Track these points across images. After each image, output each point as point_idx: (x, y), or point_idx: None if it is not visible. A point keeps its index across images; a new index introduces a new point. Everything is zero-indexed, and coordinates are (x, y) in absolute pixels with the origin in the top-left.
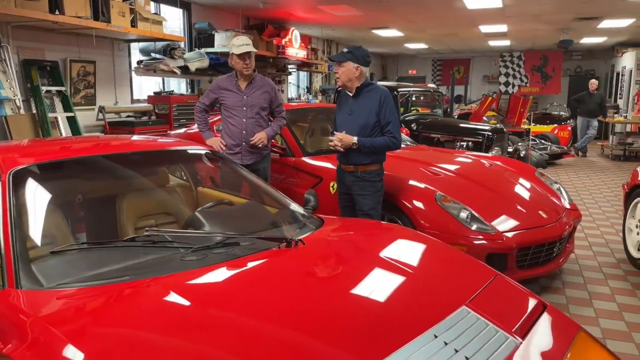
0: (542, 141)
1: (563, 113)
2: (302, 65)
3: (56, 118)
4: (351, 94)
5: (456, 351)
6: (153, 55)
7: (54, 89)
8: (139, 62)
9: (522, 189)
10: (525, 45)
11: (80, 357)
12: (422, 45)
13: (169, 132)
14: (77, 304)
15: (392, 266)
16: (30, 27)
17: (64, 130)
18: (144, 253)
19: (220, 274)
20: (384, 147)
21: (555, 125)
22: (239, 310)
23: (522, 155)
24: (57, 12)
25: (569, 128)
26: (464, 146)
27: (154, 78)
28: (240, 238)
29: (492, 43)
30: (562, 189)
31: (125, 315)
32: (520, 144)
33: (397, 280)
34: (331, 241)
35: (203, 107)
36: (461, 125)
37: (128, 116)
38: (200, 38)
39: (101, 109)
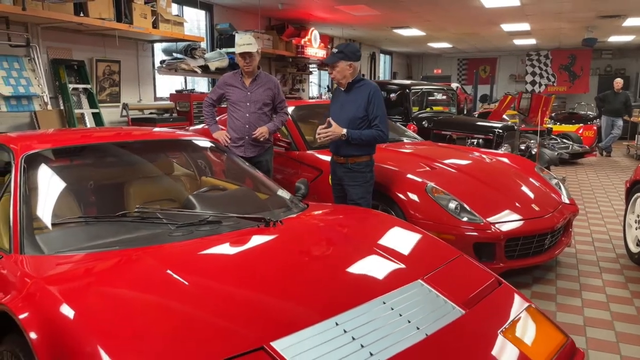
0: (564, 140)
1: (590, 113)
2: (322, 64)
3: (82, 114)
4: (343, 89)
5: (400, 315)
6: (175, 55)
7: (80, 86)
8: (162, 62)
9: (519, 183)
10: (552, 44)
11: (71, 313)
12: (446, 45)
13: (187, 127)
14: (71, 268)
15: (357, 242)
16: (59, 28)
17: (90, 125)
18: (136, 228)
19: (200, 247)
20: (371, 140)
21: (581, 124)
22: (214, 275)
23: (533, 152)
24: (81, 14)
25: (595, 128)
26: (475, 143)
27: (180, 77)
28: (223, 217)
29: (518, 42)
30: (561, 184)
31: (114, 277)
32: (532, 141)
33: (358, 253)
34: (308, 222)
35: (210, 101)
36: (472, 122)
37: (151, 113)
38: (221, 38)
39: (125, 106)
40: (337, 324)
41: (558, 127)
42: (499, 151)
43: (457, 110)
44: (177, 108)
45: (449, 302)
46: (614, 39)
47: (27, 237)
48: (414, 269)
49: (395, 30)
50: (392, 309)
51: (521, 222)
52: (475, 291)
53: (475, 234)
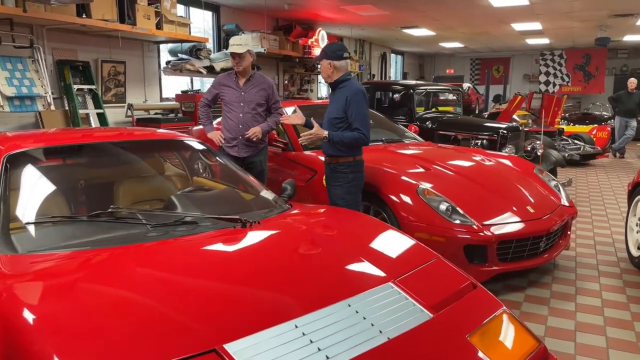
0: (575, 141)
1: (605, 113)
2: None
3: (87, 114)
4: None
5: (364, 319)
6: (180, 55)
7: (85, 87)
8: (167, 63)
9: (515, 185)
10: (566, 43)
11: (28, 312)
12: (457, 44)
13: (190, 128)
14: (40, 267)
15: (331, 244)
16: (64, 29)
17: (94, 125)
18: (113, 228)
19: (172, 247)
20: (352, 142)
21: (595, 125)
22: (179, 275)
23: (538, 153)
24: (84, 16)
25: (608, 128)
26: (479, 144)
27: (188, 78)
28: (198, 218)
29: (530, 41)
30: (560, 186)
31: (79, 276)
32: (538, 142)
33: (330, 255)
34: (285, 223)
35: (206, 102)
36: (476, 123)
37: (156, 113)
38: (228, 39)
39: (129, 106)
40: (296, 327)
41: (571, 128)
42: (503, 152)
43: (469, 111)
44: (183, 108)
45: (418, 305)
46: (629, 38)
47: (2, 236)
48: (385, 272)
49: (405, 30)
50: (357, 311)
51: (514, 225)
52: (447, 294)
53: (466, 236)
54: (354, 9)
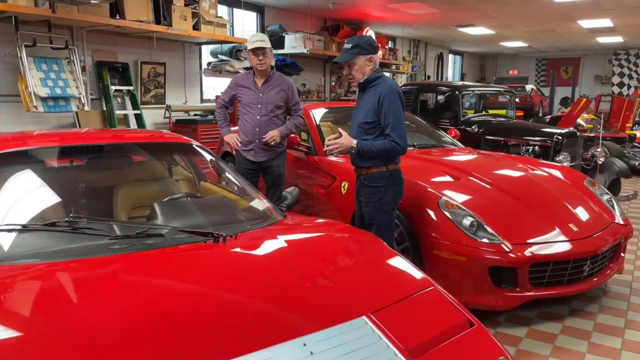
0: None
1: None
2: (334, 63)
3: (125, 115)
4: (357, 89)
5: None
6: (220, 56)
7: (124, 88)
8: (208, 64)
9: (559, 199)
10: None
11: None
12: (520, 44)
13: None
14: None
15: (307, 267)
16: (103, 31)
17: (132, 126)
18: (77, 239)
19: (124, 264)
20: (382, 152)
21: None
22: (115, 298)
23: (600, 162)
24: (117, 17)
25: None
26: (530, 151)
27: (228, 79)
28: (165, 231)
29: (602, 40)
30: (613, 201)
31: (10, 295)
32: (598, 149)
33: (301, 281)
34: (265, 238)
35: (223, 103)
36: (528, 127)
37: (195, 114)
38: (272, 40)
39: (167, 108)
40: None
41: None
42: (556, 160)
43: (531, 114)
44: None
45: (392, 347)
46: None
47: None
48: (362, 303)
49: (461, 29)
50: (312, 353)
51: (552, 245)
52: (433, 334)
53: (492, 256)
54: (402, 7)
